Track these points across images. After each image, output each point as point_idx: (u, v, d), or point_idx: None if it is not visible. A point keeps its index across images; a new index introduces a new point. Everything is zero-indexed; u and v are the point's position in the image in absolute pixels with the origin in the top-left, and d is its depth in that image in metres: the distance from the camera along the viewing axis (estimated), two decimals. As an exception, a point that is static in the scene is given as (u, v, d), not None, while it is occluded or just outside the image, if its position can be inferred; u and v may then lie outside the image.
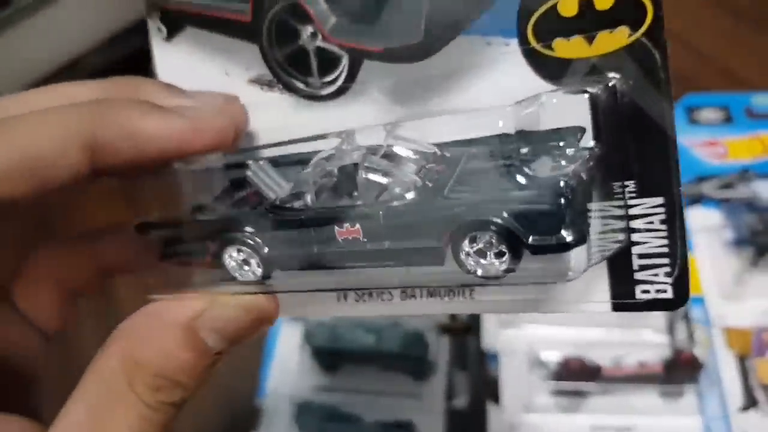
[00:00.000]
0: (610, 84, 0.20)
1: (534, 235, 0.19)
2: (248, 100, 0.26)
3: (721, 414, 0.50)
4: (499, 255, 0.20)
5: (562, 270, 0.20)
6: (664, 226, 0.21)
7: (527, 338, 0.54)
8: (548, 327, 0.54)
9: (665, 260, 0.21)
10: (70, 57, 0.69)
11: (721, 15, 0.70)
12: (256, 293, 0.23)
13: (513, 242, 0.20)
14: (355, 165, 0.22)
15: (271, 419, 0.53)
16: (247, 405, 0.54)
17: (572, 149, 0.20)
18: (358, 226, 0.21)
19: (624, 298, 0.22)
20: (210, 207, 0.25)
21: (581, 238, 0.19)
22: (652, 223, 0.21)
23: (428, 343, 0.53)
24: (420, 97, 0.23)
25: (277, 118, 0.26)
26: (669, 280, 0.21)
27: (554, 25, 0.21)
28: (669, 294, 0.21)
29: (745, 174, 0.58)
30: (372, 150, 0.23)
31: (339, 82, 0.25)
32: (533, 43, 0.21)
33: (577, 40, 0.21)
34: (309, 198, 0.22)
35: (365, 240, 0.21)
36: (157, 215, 0.25)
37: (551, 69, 0.21)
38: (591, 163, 0.20)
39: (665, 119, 0.20)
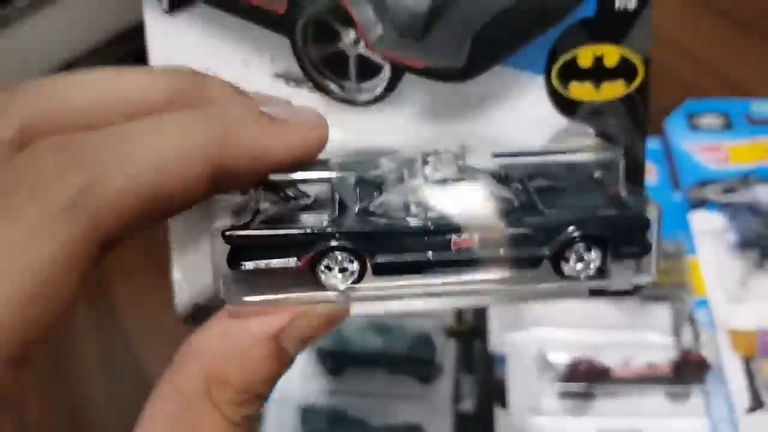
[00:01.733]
0: (609, 124, 0.26)
1: (622, 245, 0.24)
2: (272, 93, 0.25)
3: (728, 416, 0.50)
4: (592, 262, 0.24)
5: (646, 273, 0.25)
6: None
7: (534, 340, 0.53)
8: (555, 329, 0.54)
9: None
10: (68, 58, 0.69)
11: (721, 24, 0.72)
12: (337, 301, 0.23)
13: (603, 250, 0.24)
14: (459, 179, 0.24)
15: (276, 424, 0.52)
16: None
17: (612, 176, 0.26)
18: (475, 237, 0.23)
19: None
20: (284, 216, 0.24)
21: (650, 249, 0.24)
22: None
23: (435, 346, 0.52)
24: (454, 115, 0.26)
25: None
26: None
27: (573, 71, 0.26)
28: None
29: (746, 179, 0.59)
30: (470, 168, 0.24)
31: (378, 91, 0.25)
32: (555, 82, 0.26)
33: (588, 85, 0.26)
34: (413, 208, 0.23)
35: (479, 249, 0.23)
36: (237, 223, 0.23)
37: (565, 105, 0.26)
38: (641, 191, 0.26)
39: (638, 153, 0.27)
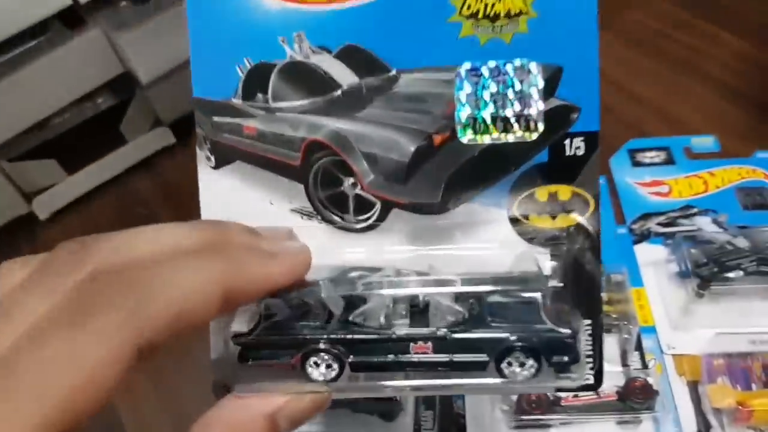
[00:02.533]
0: (564, 247, 0.30)
1: (555, 355, 0.29)
2: (290, 224, 0.32)
3: (678, 440, 0.52)
4: (529, 366, 0.29)
5: (576, 378, 0.30)
6: (590, 338, 0.31)
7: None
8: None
9: (590, 360, 0.31)
10: (40, 117, 0.71)
11: (655, 63, 0.75)
12: (322, 391, 0.29)
13: (538, 359, 0.29)
14: (420, 295, 0.30)
15: None
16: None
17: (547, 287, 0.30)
18: (429, 344, 0.29)
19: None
20: (281, 322, 0.30)
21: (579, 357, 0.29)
22: (584, 335, 0.31)
23: (395, 383, 0.54)
24: (432, 239, 0.31)
25: (314, 241, 0.31)
26: (592, 372, 0.31)
27: (531, 204, 0.30)
28: (591, 380, 0.31)
29: (687, 210, 0.62)
30: (427, 283, 0.30)
31: (370, 221, 0.31)
32: (516, 213, 0.30)
33: (544, 217, 0.30)
34: (382, 318, 0.29)
35: (432, 354, 0.29)
36: (248, 330, 0.30)
37: (527, 232, 0.31)
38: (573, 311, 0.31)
39: (594, 271, 0.30)
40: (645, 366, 0.55)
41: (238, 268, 0.25)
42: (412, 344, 0.29)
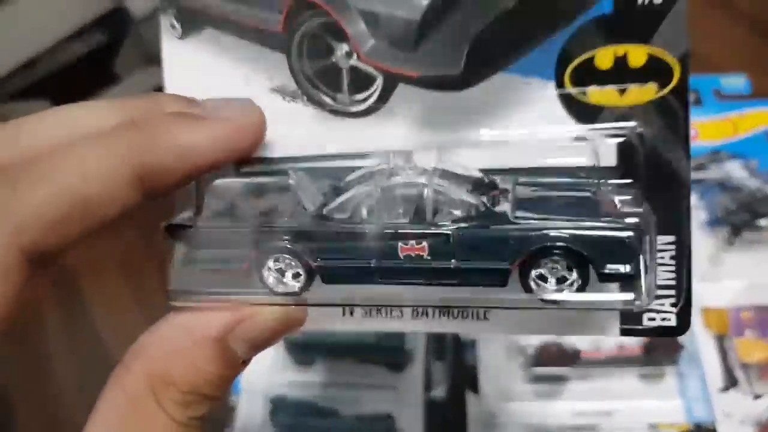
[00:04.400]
0: (637, 132, 0.23)
1: (609, 264, 0.21)
2: (270, 108, 0.25)
3: (702, 395, 0.50)
4: (568, 280, 0.22)
5: (636, 298, 0.22)
6: (672, 262, 0.23)
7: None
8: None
9: (671, 291, 0.23)
10: (29, 55, 0.68)
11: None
12: (287, 305, 0.22)
13: (584, 269, 0.21)
14: (419, 184, 0.23)
15: (246, 416, 0.51)
16: (221, 403, 0.52)
17: (622, 189, 0.23)
18: (424, 244, 0.21)
19: (632, 324, 0.24)
20: (241, 214, 0.24)
21: (642, 270, 0.21)
22: (663, 258, 0.23)
23: (404, 334, 0.52)
24: (450, 127, 0.24)
25: (300, 129, 0.25)
26: (674, 310, 0.24)
27: (590, 75, 0.23)
28: (672, 322, 0.24)
29: (716, 155, 0.59)
30: (432, 171, 0.23)
31: (370, 102, 0.25)
32: (569, 87, 0.23)
33: (610, 90, 0.23)
34: (364, 211, 0.22)
35: (429, 258, 0.21)
36: (188, 218, 0.23)
37: (584, 113, 0.23)
38: (640, 205, 0.23)
39: (681, 167, 0.23)
40: (669, 318, 0.52)
41: (153, 140, 0.20)
42: (400, 244, 0.21)
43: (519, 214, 0.22)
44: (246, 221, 0.23)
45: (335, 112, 0.25)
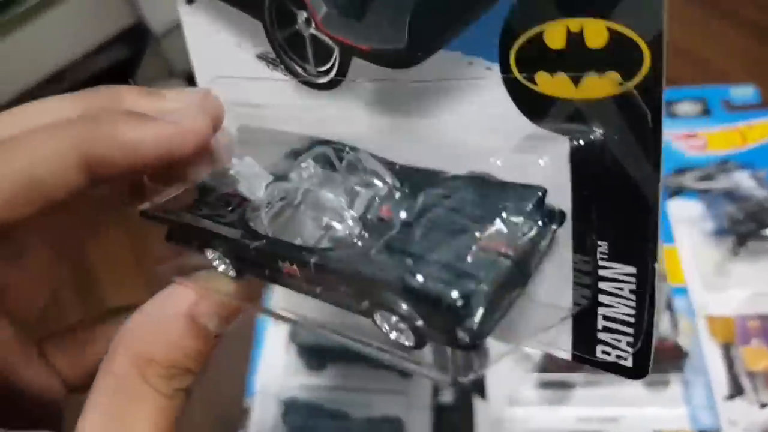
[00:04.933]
0: (593, 136, 0.18)
1: (429, 328, 0.18)
2: (255, 74, 0.26)
3: (707, 403, 0.50)
4: (406, 332, 0.19)
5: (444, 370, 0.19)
6: (632, 296, 0.20)
7: (512, 332, 0.54)
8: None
9: (629, 329, 0.21)
10: (55, 69, 0.70)
11: (695, 9, 0.71)
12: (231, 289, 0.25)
13: (413, 328, 0.18)
14: (303, 197, 0.22)
15: (259, 418, 0.53)
16: (235, 405, 0.54)
17: (522, 218, 0.19)
18: (295, 266, 0.21)
19: (584, 352, 0.22)
20: (206, 197, 0.25)
21: (476, 344, 0.17)
22: (621, 289, 0.20)
23: (414, 340, 0.53)
24: (400, 108, 0.22)
25: (279, 98, 0.26)
26: (630, 350, 0.21)
27: (539, 56, 0.18)
28: (628, 363, 0.21)
29: (724, 165, 0.59)
30: (325, 178, 0.23)
31: (331, 74, 0.24)
32: (515, 72, 0.19)
33: (562, 77, 0.18)
34: (266, 219, 0.23)
35: (302, 279, 0.21)
36: (158, 202, 0.26)
37: (533, 105, 0.19)
38: (541, 242, 0.19)
39: (649, 186, 0.18)
40: (675, 326, 0.53)
41: (98, 132, 0.22)
42: (280, 262, 0.21)
43: (379, 250, 0.19)
44: (194, 208, 0.25)
45: (306, 83, 0.25)
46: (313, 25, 0.23)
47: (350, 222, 0.21)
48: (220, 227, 0.24)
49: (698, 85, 0.64)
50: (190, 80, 0.79)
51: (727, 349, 0.52)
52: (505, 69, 0.19)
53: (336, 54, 0.23)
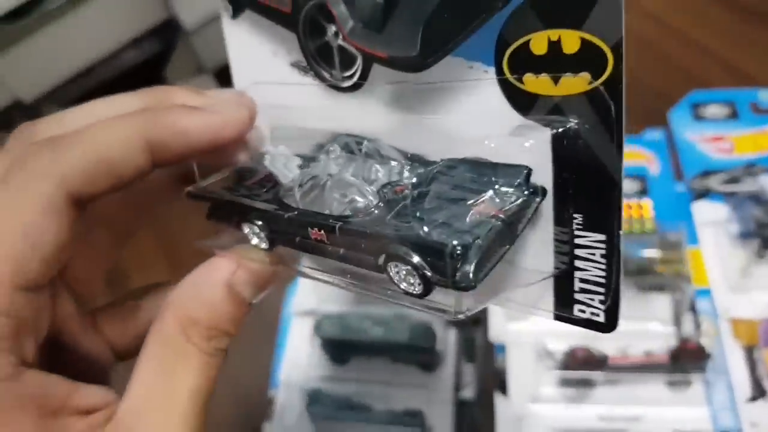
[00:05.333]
0: (569, 125, 0.22)
1: (434, 274, 0.22)
2: (288, 80, 0.29)
3: (729, 404, 0.50)
4: (415, 282, 0.23)
5: (451, 306, 0.23)
6: (603, 260, 0.23)
7: (534, 330, 0.54)
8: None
9: (601, 289, 0.24)
10: (89, 63, 0.71)
11: (726, 13, 0.71)
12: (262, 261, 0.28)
13: (422, 275, 0.22)
14: (329, 176, 0.27)
15: (284, 409, 0.54)
16: (260, 396, 0.55)
17: (511, 190, 0.23)
18: (323, 231, 0.25)
19: (564, 312, 0.25)
20: (244, 181, 0.29)
21: (472, 285, 0.21)
22: (593, 255, 0.24)
23: (436, 335, 0.54)
24: (412, 105, 0.26)
25: (309, 100, 0.29)
26: (602, 306, 0.24)
27: (526, 61, 0.22)
28: (601, 318, 0.24)
29: (751, 168, 0.59)
30: (348, 162, 0.27)
31: (355, 78, 0.27)
32: (507, 74, 0.23)
33: (544, 78, 0.22)
34: (298, 195, 0.27)
35: (328, 243, 0.25)
36: (201, 186, 0.29)
37: (520, 101, 0.23)
38: (526, 209, 0.23)
39: (613, 165, 0.22)
40: (698, 328, 0.53)
41: (159, 120, 0.26)
42: (310, 228, 0.25)
43: (402, 214, 0.24)
44: (234, 189, 0.29)
45: (332, 87, 0.28)
46: (341, 36, 0.27)
47: (370, 196, 0.25)
48: (257, 203, 0.27)
49: (726, 88, 0.64)
50: (218, 76, 0.80)
51: (750, 351, 0.52)
52: (499, 72, 0.23)
53: (359, 61, 0.27)
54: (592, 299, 0.24)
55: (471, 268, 0.21)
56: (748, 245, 0.54)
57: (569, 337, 0.53)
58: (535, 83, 0.22)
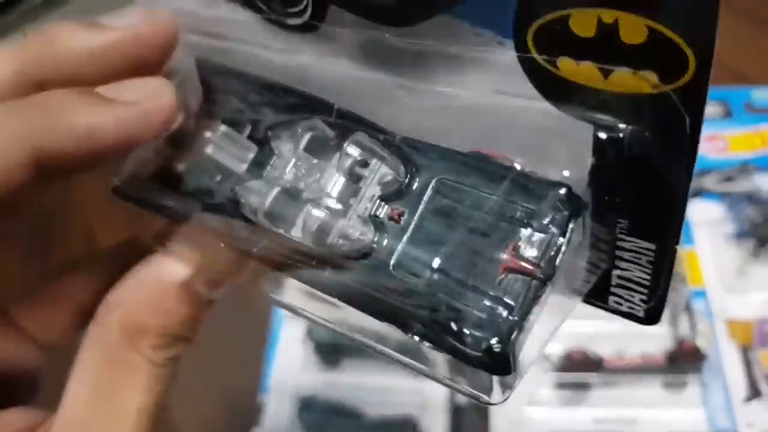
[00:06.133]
0: (620, 126, 0.17)
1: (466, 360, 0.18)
2: (206, 6, 0.22)
3: (725, 405, 0.50)
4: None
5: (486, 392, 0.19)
6: (649, 265, 0.20)
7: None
8: (550, 320, 0.54)
9: (644, 290, 0.20)
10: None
11: (721, 12, 0.71)
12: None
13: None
14: (304, 190, 0.21)
15: (274, 415, 0.53)
16: (250, 401, 0.54)
17: (548, 223, 0.18)
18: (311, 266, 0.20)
19: (597, 300, 0.21)
20: (183, 154, 0.23)
21: (508, 372, 0.18)
22: (639, 260, 0.20)
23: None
24: (393, 63, 0.20)
25: (240, 32, 0.22)
26: (643, 305, 0.21)
27: (562, 40, 0.16)
28: (640, 314, 0.21)
29: (745, 167, 0.59)
30: (334, 170, 0.21)
31: (304, 18, 0.21)
32: (533, 52, 0.17)
33: (589, 66, 0.17)
34: (260, 213, 0.21)
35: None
36: (129, 171, 0.23)
37: (554, 88, 0.18)
38: (568, 244, 0.18)
39: (678, 184, 0.18)
40: (694, 329, 0.52)
41: (51, 122, 0.19)
42: (291, 260, 0.20)
43: (400, 262, 0.19)
44: (187, 178, 0.23)
45: (274, 23, 0.21)
46: None
47: (361, 226, 0.20)
48: (212, 218, 0.22)
49: (720, 87, 0.64)
50: None
51: (745, 351, 0.52)
52: (521, 47, 0.17)
53: None
54: (632, 296, 0.20)
55: (510, 357, 0.18)
56: (743, 245, 0.54)
57: (565, 339, 0.52)
58: (576, 71, 0.17)
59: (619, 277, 0.20)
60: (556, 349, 0.52)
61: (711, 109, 0.63)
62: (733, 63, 0.67)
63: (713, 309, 0.54)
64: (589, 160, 0.18)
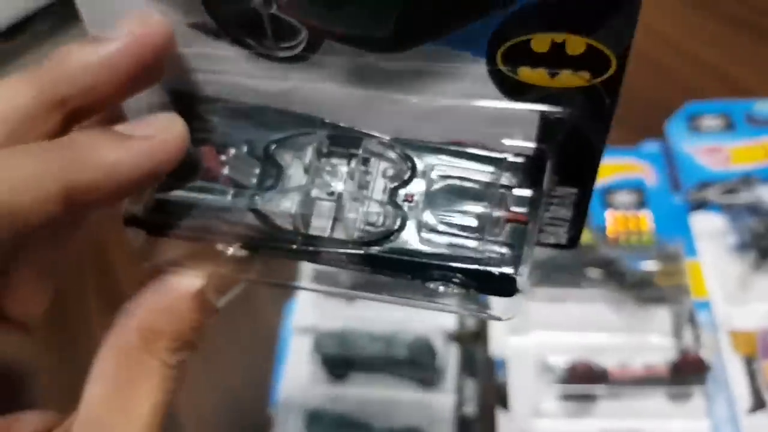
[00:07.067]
0: (561, 108, 0.24)
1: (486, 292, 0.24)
2: (193, 44, 0.24)
3: (730, 416, 0.50)
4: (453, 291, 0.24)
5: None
6: (572, 206, 0.27)
7: (534, 344, 0.54)
8: (555, 333, 0.54)
9: (567, 224, 0.27)
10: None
11: (721, 24, 0.71)
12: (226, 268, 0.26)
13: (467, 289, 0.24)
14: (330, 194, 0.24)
15: (283, 428, 0.53)
16: (259, 414, 0.54)
17: (533, 190, 0.24)
18: (344, 257, 0.24)
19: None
20: (185, 180, 0.25)
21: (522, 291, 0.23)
22: (565, 201, 0.26)
23: (436, 351, 0.53)
24: (380, 83, 0.24)
25: (226, 66, 0.24)
26: (566, 235, 0.27)
27: (523, 55, 0.22)
28: (564, 241, 0.28)
29: (747, 179, 0.59)
30: (336, 173, 0.25)
31: (298, 50, 0.23)
32: (500, 65, 0.23)
33: (541, 71, 0.22)
34: (290, 216, 0.24)
35: (346, 263, 0.24)
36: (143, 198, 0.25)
37: (514, 89, 0.23)
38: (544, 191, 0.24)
39: (597, 141, 0.24)
40: (698, 340, 0.53)
41: (80, 159, 0.20)
42: (324, 254, 0.24)
43: (425, 235, 0.24)
44: (201, 193, 0.25)
45: (263, 55, 0.23)
46: (274, 6, 0.22)
47: (382, 210, 0.24)
48: (236, 226, 0.25)
49: (722, 100, 0.65)
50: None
51: (749, 362, 0.52)
52: (491, 63, 0.23)
53: (303, 35, 0.23)
54: (557, 231, 0.27)
55: (521, 281, 0.23)
56: (745, 256, 0.55)
57: (570, 351, 0.53)
58: (531, 75, 0.22)
59: (550, 217, 0.27)
60: (561, 361, 0.52)
61: (713, 122, 0.64)
62: (735, 75, 0.67)
63: (717, 320, 0.54)
64: (536, 136, 0.24)
